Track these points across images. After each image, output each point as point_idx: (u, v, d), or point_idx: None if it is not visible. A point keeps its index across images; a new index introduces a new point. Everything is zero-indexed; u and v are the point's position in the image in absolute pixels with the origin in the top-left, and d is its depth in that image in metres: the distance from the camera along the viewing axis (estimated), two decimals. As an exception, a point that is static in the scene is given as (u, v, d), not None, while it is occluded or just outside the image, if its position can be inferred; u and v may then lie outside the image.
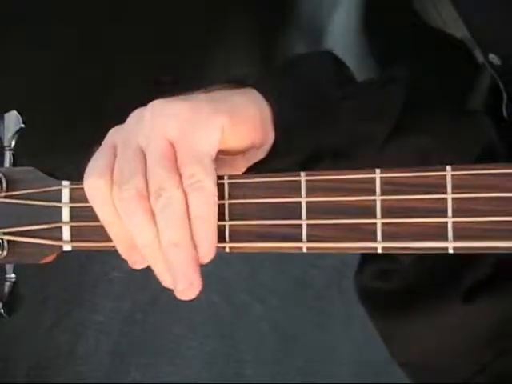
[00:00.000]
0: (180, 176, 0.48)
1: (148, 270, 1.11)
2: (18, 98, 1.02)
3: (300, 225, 0.48)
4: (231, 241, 0.49)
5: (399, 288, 0.63)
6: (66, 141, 1.02)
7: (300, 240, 0.48)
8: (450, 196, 0.47)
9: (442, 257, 0.59)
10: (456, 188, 0.47)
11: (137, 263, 0.51)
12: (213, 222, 0.48)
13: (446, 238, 0.47)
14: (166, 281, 0.50)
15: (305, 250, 0.48)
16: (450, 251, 0.47)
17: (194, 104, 0.49)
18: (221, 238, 0.49)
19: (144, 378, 1.14)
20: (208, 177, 0.48)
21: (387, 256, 0.62)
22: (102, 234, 0.51)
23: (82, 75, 1.04)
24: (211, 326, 1.16)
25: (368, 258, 0.65)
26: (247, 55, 1.14)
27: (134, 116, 0.51)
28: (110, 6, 1.06)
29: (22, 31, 1.01)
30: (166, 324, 1.14)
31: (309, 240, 0.48)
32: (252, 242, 0.49)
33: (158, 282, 1.12)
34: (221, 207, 0.49)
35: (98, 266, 1.09)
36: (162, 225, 0.47)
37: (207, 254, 0.48)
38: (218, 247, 0.49)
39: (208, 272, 1.16)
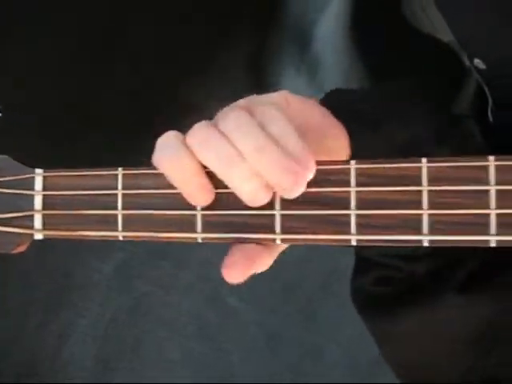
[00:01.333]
0: None
1: (131, 274, 1.10)
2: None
3: (273, 215, 0.48)
4: (204, 231, 0.49)
5: (397, 290, 0.62)
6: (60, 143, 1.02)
7: (274, 231, 0.48)
8: (425, 188, 0.47)
9: (435, 253, 0.60)
10: (431, 180, 0.47)
11: (201, 198, 0.49)
12: (296, 133, 0.47)
13: (420, 231, 0.47)
14: (261, 196, 0.47)
15: (279, 242, 0.48)
16: (425, 244, 0.47)
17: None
18: (192, 228, 0.49)
19: (129, 381, 1.13)
20: (280, 111, 0.48)
21: (384, 264, 0.62)
22: (74, 222, 0.50)
23: (81, 75, 1.04)
24: (197, 329, 1.16)
25: (364, 266, 0.65)
26: (235, 57, 1.14)
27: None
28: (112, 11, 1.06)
29: (22, 31, 1.01)
30: (150, 327, 1.13)
31: (283, 231, 0.48)
32: (226, 233, 0.48)
33: (142, 284, 1.11)
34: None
35: (82, 269, 1.09)
36: (240, 137, 0.47)
37: (303, 155, 0.47)
38: (189, 238, 0.49)
39: (193, 273, 1.15)
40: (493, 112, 0.74)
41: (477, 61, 0.72)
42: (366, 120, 0.57)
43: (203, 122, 0.48)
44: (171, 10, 1.08)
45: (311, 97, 0.56)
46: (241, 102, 0.50)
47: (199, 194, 0.48)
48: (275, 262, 0.51)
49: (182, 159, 0.47)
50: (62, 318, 1.09)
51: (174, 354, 1.16)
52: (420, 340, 0.63)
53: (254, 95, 0.51)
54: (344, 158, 0.54)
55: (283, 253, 0.51)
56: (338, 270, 1.16)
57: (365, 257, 0.64)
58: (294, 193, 0.47)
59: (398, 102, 0.62)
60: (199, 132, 0.48)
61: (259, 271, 0.50)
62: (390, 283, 0.62)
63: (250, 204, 0.48)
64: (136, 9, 1.07)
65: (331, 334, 1.19)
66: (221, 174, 0.47)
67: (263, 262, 0.50)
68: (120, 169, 0.50)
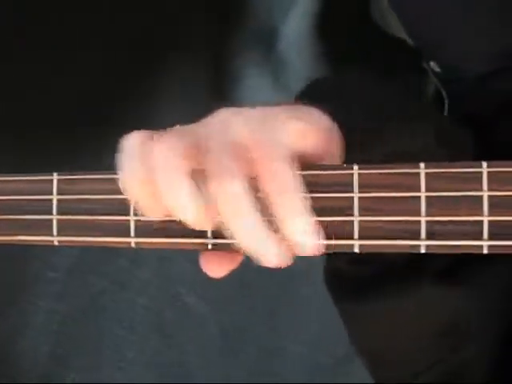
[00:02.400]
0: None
1: (87, 270, 1.10)
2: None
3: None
4: (136, 236, 0.49)
5: (373, 271, 0.63)
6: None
7: (205, 236, 0.48)
8: (356, 195, 0.47)
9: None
10: (362, 187, 0.47)
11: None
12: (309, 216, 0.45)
13: (352, 237, 0.47)
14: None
15: (210, 247, 0.48)
16: (356, 250, 0.48)
17: (268, 109, 0.47)
18: (127, 233, 0.49)
19: (84, 380, 1.13)
20: (292, 173, 0.44)
21: None
22: (9, 227, 0.51)
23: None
24: (154, 327, 1.16)
25: None
26: (199, 57, 1.14)
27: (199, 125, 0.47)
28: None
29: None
30: (106, 325, 1.13)
31: (214, 237, 0.48)
32: (160, 238, 0.49)
33: (97, 280, 1.11)
34: (126, 202, 0.49)
35: (34, 265, 1.08)
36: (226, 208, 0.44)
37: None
38: (123, 243, 0.49)
39: (150, 270, 1.15)
40: (449, 113, 0.75)
41: (432, 63, 0.73)
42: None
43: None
44: (131, 10, 1.08)
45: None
46: (246, 138, 0.44)
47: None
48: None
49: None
50: (13, 314, 1.08)
51: (130, 351, 1.16)
52: (390, 327, 0.64)
53: (266, 127, 0.45)
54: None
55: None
56: (298, 269, 1.16)
57: None
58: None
59: (400, 103, 0.62)
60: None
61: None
62: (366, 263, 0.62)
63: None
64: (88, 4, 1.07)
65: (291, 333, 1.19)
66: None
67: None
68: (55, 174, 0.50)
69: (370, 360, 0.66)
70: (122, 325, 1.15)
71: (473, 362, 0.62)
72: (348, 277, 0.64)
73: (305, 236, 0.45)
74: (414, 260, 0.61)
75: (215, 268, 0.48)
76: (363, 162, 0.47)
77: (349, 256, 0.63)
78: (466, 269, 0.61)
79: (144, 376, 1.17)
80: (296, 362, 1.20)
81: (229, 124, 0.45)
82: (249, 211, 0.44)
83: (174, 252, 1.14)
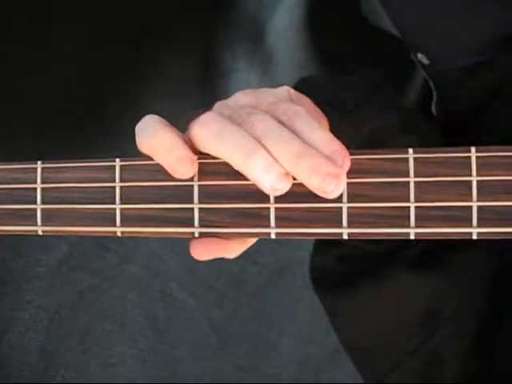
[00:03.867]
0: None
1: (75, 266, 1.09)
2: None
3: (192, 209, 0.48)
4: (122, 225, 0.48)
5: (354, 267, 0.63)
6: None
7: (192, 225, 0.48)
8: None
9: None
10: (351, 173, 0.47)
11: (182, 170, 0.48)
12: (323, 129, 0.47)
13: (340, 224, 0.47)
14: (283, 184, 0.46)
15: (197, 235, 0.48)
16: (345, 237, 0.47)
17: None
18: (111, 221, 0.48)
19: (74, 377, 1.12)
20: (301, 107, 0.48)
21: (343, 243, 0.62)
22: None
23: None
24: (144, 322, 1.15)
25: (323, 244, 0.65)
26: (188, 54, 1.14)
27: None
28: None
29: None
30: (96, 321, 1.12)
31: (202, 225, 0.48)
32: (143, 227, 0.48)
33: (86, 277, 1.10)
34: (111, 191, 0.48)
35: (21, 261, 1.07)
36: (276, 144, 0.46)
37: (339, 153, 0.46)
38: (108, 232, 0.48)
39: (140, 266, 1.14)
40: (437, 106, 0.75)
41: (420, 55, 0.73)
42: (337, 106, 0.57)
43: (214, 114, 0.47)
44: (118, 6, 1.08)
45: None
46: (253, 102, 0.49)
47: (179, 166, 0.47)
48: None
49: (158, 132, 0.47)
50: (1, 310, 1.08)
51: (120, 347, 1.15)
52: (374, 319, 0.64)
53: (260, 91, 0.50)
54: None
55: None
56: (288, 264, 1.16)
57: None
58: (336, 194, 0.46)
59: (367, 92, 0.62)
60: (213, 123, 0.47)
61: (230, 256, 0.50)
62: (348, 261, 0.63)
63: (273, 194, 0.47)
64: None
65: (281, 327, 1.19)
66: (239, 166, 0.46)
67: (232, 250, 0.50)
68: (39, 162, 0.50)
69: (357, 355, 0.67)
70: (111, 321, 1.14)
71: (451, 342, 0.62)
72: (335, 275, 0.64)
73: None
74: (390, 246, 0.61)
75: (202, 252, 0.48)
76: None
77: (336, 254, 0.63)
78: (444, 252, 0.61)
79: (134, 371, 1.16)
80: (286, 356, 1.20)
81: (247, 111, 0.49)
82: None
83: (164, 247, 1.13)
